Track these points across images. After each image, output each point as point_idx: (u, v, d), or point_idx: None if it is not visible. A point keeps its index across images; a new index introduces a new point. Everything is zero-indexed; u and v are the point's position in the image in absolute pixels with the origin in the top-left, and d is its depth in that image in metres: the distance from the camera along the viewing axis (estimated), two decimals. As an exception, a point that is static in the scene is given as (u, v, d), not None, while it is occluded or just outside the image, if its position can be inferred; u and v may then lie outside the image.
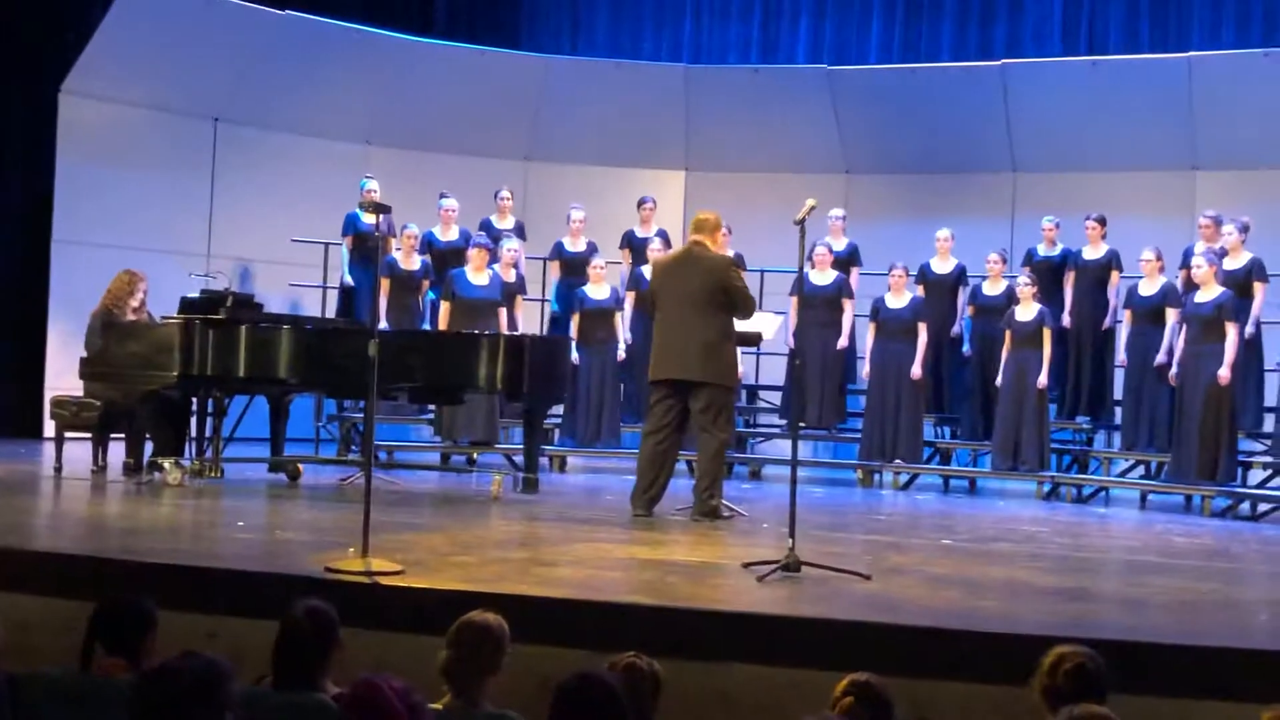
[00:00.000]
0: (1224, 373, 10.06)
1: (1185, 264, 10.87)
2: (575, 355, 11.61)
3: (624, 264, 12.39)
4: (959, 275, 11.99)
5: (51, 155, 12.55)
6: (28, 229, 12.69)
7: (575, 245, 12.41)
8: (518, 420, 10.83)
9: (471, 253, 11.51)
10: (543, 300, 12.96)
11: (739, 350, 8.98)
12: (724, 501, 8.65)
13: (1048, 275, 11.60)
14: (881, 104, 13.93)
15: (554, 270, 12.58)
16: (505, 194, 12.69)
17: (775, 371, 12.77)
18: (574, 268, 12.29)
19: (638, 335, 11.64)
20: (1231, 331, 10.11)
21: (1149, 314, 10.86)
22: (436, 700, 3.80)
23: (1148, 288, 10.92)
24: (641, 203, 12.63)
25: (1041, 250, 11.91)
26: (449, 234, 12.36)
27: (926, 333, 11.59)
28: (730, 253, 11.63)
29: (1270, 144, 12.37)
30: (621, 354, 11.76)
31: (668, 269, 8.80)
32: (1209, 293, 10.24)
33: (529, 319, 12.56)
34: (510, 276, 11.82)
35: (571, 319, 11.93)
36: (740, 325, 8.70)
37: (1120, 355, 11.24)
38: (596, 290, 11.85)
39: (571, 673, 3.31)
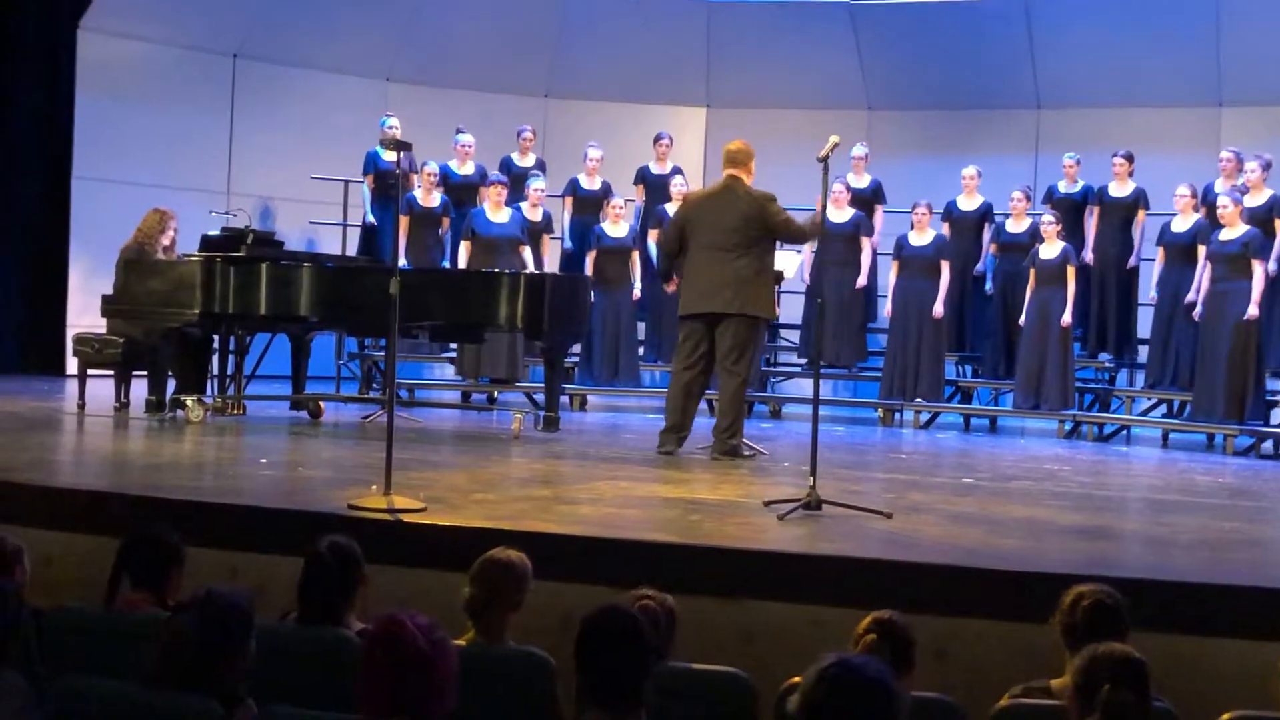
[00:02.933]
0: (1253, 310, 10.03)
1: (1206, 201, 10.79)
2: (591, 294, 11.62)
3: (638, 200, 12.32)
4: (984, 213, 11.92)
5: (71, 92, 12.53)
6: (48, 166, 12.68)
7: (590, 184, 12.37)
8: (538, 359, 10.84)
9: (489, 190, 11.49)
10: (552, 237, 12.95)
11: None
12: (745, 440, 8.65)
13: (1069, 212, 11.53)
14: (904, 39, 13.81)
15: (567, 207, 12.54)
16: (528, 133, 12.65)
17: (796, 310, 12.74)
18: (588, 205, 12.25)
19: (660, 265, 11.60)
20: (1258, 268, 10.07)
21: (1181, 251, 10.78)
22: (460, 636, 3.82)
23: (1181, 224, 10.84)
24: (658, 139, 12.58)
25: (1062, 187, 11.83)
26: (464, 168, 12.34)
27: (949, 271, 11.54)
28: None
29: (1296, 79, 12.25)
30: (637, 293, 11.72)
31: (703, 204, 8.67)
32: (1234, 231, 10.19)
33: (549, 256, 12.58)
34: (537, 215, 11.80)
35: (588, 257, 11.90)
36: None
37: (1145, 293, 11.18)
38: (614, 229, 11.81)
39: (596, 606, 3.32)
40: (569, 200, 12.49)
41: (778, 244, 8.72)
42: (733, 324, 8.39)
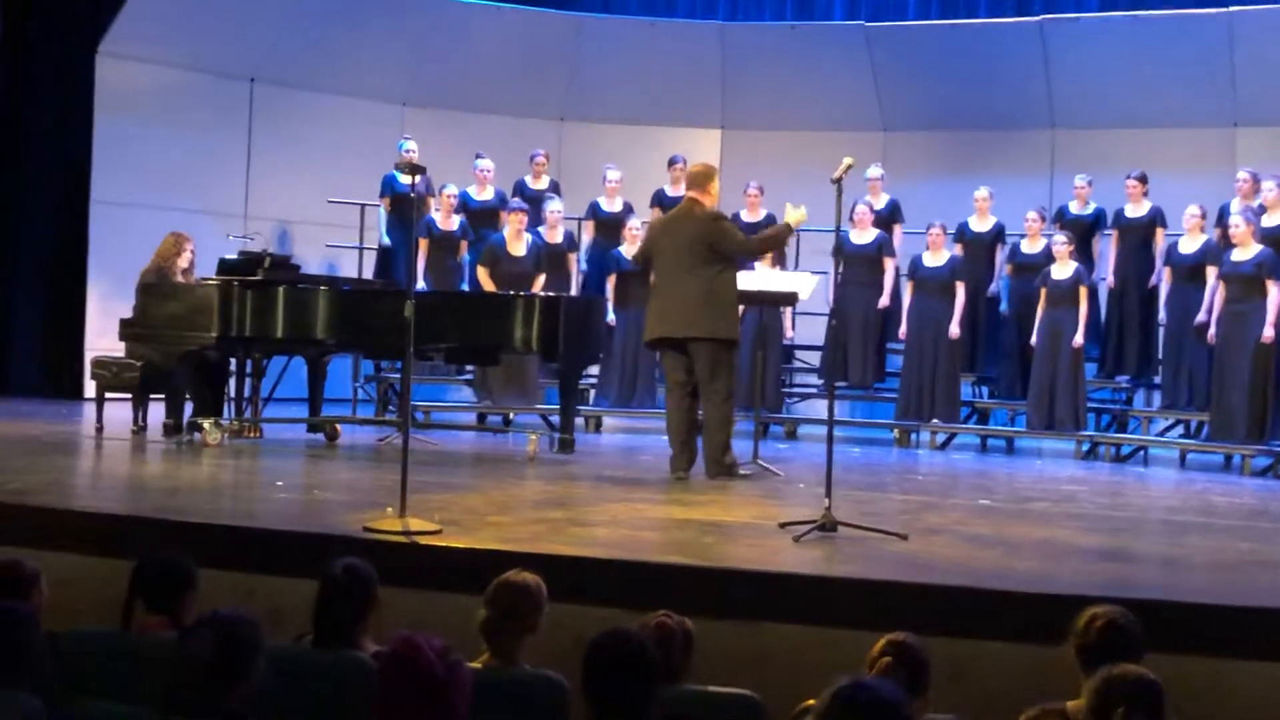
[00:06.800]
0: (1269, 332, 10.00)
1: (1221, 222, 10.78)
2: (611, 316, 11.63)
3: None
4: (997, 234, 11.91)
5: (89, 117, 12.59)
6: (66, 190, 12.73)
7: (611, 205, 12.41)
8: (553, 381, 10.85)
9: (509, 218, 11.51)
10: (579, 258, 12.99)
11: (746, 306, 8.89)
12: (760, 462, 8.67)
13: (1079, 234, 11.51)
14: (919, 61, 13.82)
15: (588, 230, 12.57)
16: (540, 157, 12.67)
17: (812, 331, 12.73)
18: (610, 228, 12.28)
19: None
20: (1273, 289, 10.04)
21: (1189, 272, 10.77)
22: (475, 659, 3.82)
23: (1188, 245, 10.83)
24: (672, 162, 12.59)
25: (1073, 209, 11.82)
26: (484, 194, 12.38)
27: (964, 292, 11.53)
28: (762, 213, 11.72)
29: (1312, 100, 12.22)
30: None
31: (664, 229, 8.68)
32: (1247, 251, 10.17)
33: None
34: (557, 237, 11.83)
35: (608, 280, 11.92)
36: (775, 285, 8.65)
37: (1162, 314, 11.16)
38: (633, 250, 11.81)
39: (602, 630, 3.33)
40: (590, 224, 12.52)
41: (755, 264, 8.64)
42: (701, 348, 8.36)
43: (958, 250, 11.88)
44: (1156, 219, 11.38)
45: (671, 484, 8.21)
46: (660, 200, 12.51)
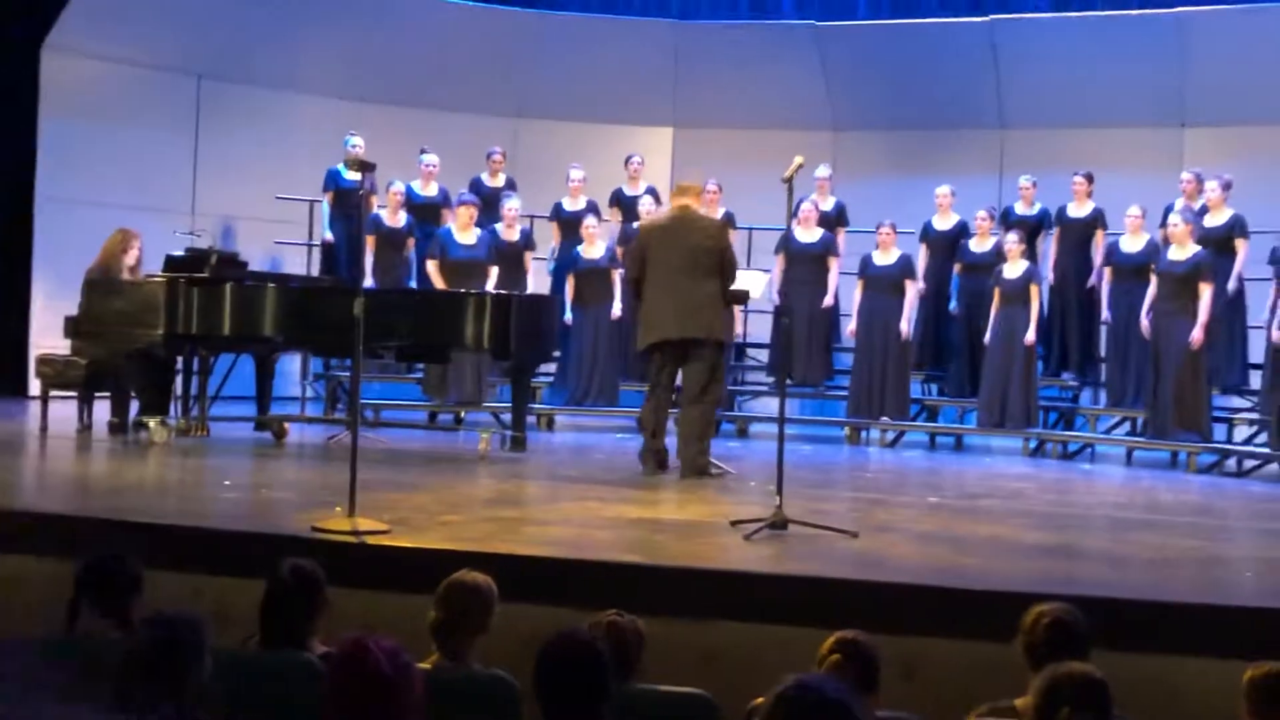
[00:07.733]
0: (1197, 334, 10.06)
1: (1165, 222, 10.85)
2: (569, 315, 11.62)
3: (614, 222, 12.35)
4: (960, 231, 11.95)
5: (34, 112, 12.44)
6: (11, 187, 12.58)
7: (574, 205, 12.37)
8: (505, 379, 10.82)
9: (459, 210, 11.45)
10: (535, 256, 12.93)
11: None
12: (711, 459, 8.67)
13: (1024, 234, 11.57)
14: (869, 60, 13.88)
15: (554, 231, 12.52)
16: (498, 154, 12.63)
17: (763, 329, 12.76)
18: (573, 228, 12.21)
19: (628, 294, 11.58)
20: (1206, 291, 10.10)
21: (1132, 271, 10.86)
22: (424, 659, 3.80)
23: (1131, 245, 10.92)
24: (628, 160, 12.58)
25: (1019, 209, 11.90)
26: (428, 189, 12.31)
27: (913, 290, 11.58)
28: (720, 211, 11.70)
29: (1258, 99, 12.33)
30: (616, 312, 11.70)
31: (661, 231, 8.68)
32: (1184, 251, 10.24)
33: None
34: (514, 235, 11.79)
35: (567, 280, 11.89)
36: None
37: (1105, 312, 11.25)
38: (590, 250, 11.80)
39: (553, 633, 3.33)
40: (556, 225, 12.46)
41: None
42: (705, 349, 8.44)
43: (922, 250, 11.94)
44: (1098, 220, 11.48)
45: (624, 482, 8.21)
46: (619, 200, 12.48)
